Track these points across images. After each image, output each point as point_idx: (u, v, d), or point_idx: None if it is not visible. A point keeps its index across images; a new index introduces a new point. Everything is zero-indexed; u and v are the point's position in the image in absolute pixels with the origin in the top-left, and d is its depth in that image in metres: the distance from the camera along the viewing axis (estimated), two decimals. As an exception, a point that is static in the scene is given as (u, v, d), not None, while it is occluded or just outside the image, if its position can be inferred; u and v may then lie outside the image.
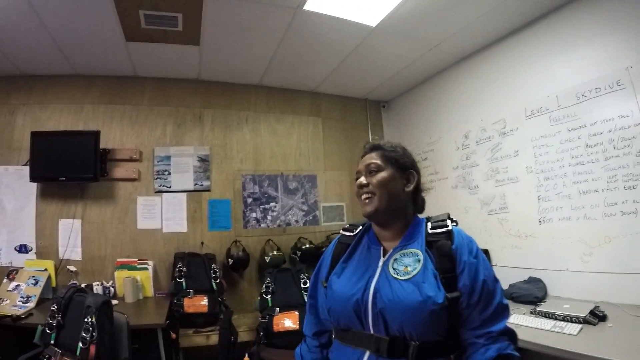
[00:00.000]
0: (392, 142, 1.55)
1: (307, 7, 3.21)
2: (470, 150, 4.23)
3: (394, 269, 1.33)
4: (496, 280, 1.32)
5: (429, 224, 1.42)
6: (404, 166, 1.48)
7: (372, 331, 1.29)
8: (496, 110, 3.91)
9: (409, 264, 1.33)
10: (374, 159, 1.47)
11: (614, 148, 2.87)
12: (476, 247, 1.35)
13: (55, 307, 2.52)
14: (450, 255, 1.30)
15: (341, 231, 1.61)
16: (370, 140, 5.09)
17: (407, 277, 1.29)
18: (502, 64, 3.87)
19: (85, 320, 2.33)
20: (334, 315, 1.42)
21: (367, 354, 1.28)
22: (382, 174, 1.43)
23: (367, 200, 1.43)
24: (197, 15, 3.27)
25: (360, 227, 1.57)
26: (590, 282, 2.99)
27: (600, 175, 2.97)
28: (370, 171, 1.45)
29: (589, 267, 3.03)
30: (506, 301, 1.31)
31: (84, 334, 2.29)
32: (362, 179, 1.45)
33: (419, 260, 1.32)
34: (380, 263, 1.38)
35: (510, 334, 1.28)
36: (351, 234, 1.56)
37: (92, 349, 2.27)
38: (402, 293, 1.25)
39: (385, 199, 1.41)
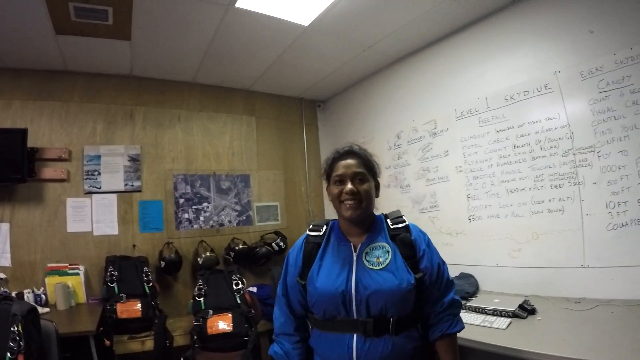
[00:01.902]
0: (362, 148, 1.75)
1: (238, 4, 3.16)
2: (402, 150, 4.32)
3: (367, 260, 1.58)
4: (444, 262, 1.69)
5: (389, 221, 1.69)
6: (375, 175, 1.72)
7: (355, 316, 1.52)
8: (427, 111, 4.01)
9: (379, 255, 1.59)
10: (358, 167, 1.65)
11: (541, 149, 3.02)
12: (427, 238, 1.70)
13: None
14: (411, 244, 1.61)
15: (307, 232, 1.76)
16: (308, 140, 5.16)
17: (381, 266, 1.56)
18: (435, 66, 3.96)
19: (12, 329, 2.20)
20: (319, 307, 1.59)
21: (355, 335, 1.51)
22: (368, 184, 1.65)
23: (353, 205, 1.60)
24: (127, 9, 3.13)
25: (325, 227, 1.74)
26: (519, 277, 3.12)
27: (527, 175, 3.11)
28: (357, 179, 1.63)
29: (518, 263, 3.17)
30: (452, 277, 1.72)
31: (12, 344, 2.17)
32: (351, 187, 1.61)
33: (388, 252, 1.59)
34: (355, 257, 1.60)
35: (456, 303, 1.66)
36: (318, 233, 1.73)
37: (20, 358, 2.15)
38: (381, 280, 1.52)
39: (368, 206, 1.64)
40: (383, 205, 4.33)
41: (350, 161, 1.66)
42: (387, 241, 1.63)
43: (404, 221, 1.68)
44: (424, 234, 1.71)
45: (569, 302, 2.67)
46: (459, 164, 3.67)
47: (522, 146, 3.15)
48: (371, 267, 1.56)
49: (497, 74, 3.37)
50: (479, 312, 2.72)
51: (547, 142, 2.99)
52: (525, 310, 2.56)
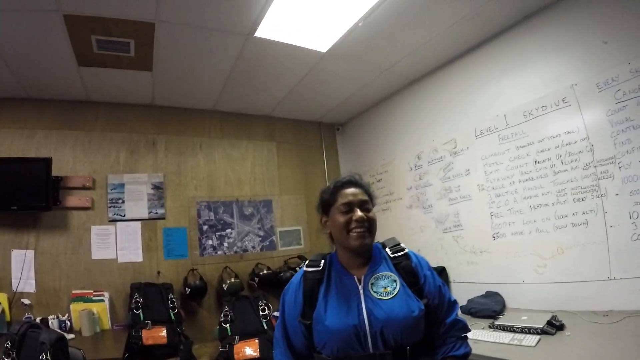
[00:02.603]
0: (361, 177, 1.74)
1: (258, 34, 3.24)
2: (423, 170, 4.33)
3: (375, 292, 1.52)
4: (444, 284, 1.65)
5: (388, 250, 1.66)
6: (374, 205, 1.68)
7: (372, 350, 1.45)
8: (447, 131, 4.03)
9: (386, 285, 1.54)
10: (364, 196, 1.63)
11: (562, 163, 3.01)
12: (427, 263, 1.68)
13: (9, 344, 2.38)
14: (413, 272, 1.58)
15: (305, 268, 1.67)
16: (328, 164, 5.20)
17: (391, 296, 1.50)
18: (452, 85, 4.00)
19: (40, 357, 2.22)
20: (330, 347, 1.49)
21: None
22: (374, 213, 1.64)
23: (363, 234, 1.56)
24: (149, 41, 3.25)
25: (323, 261, 1.67)
26: (546, 293, 3.08)
27: (549, 190, 3.09)
28: (365, 208, 1.60)
29: (544, 279, 3.13)
30: (453, 297, 1.66)
31: None
32: (361, 214, 1.57)
33: (394, 281, 1.55)
34: (361, 290, 1.54)
35: (459, 324, 1.61)
36: (317, 268, 1.64)
37: None
38: (393, 310, 1.46)
39: (374, 234, 1.61)
40: (406, 227, 4.45)
41: (354, 190, 1.63)
42: (391, 270, 1.59)
43: (403, 249, 1.65)
44: (422, 259, 1.68)
45: (596, 316, 2.63)
46: (480, 182, 3.66)
47: (543, 161, 3.14)
48: (380, 297, 1.51)
49: (514, 90, 3.39)
50: (507, 331, 2.68)
51: (567, 156, 2.98)
52: (554, 326, 2.52)
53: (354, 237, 1.55)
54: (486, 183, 3.61)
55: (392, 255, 1.63)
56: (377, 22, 3.21)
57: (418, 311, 1.47)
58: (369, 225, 1.57)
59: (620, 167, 2.66)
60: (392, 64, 4.00)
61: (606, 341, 2.21)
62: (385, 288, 1.53)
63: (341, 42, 3.46)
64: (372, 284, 1.55)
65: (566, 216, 2.99)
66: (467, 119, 3.80)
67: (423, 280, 1.58)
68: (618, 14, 2.71)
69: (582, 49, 2.92)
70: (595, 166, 2.81)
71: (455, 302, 1.65)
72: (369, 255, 1.63)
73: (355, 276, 1.58)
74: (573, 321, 2.61)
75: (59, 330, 3.35)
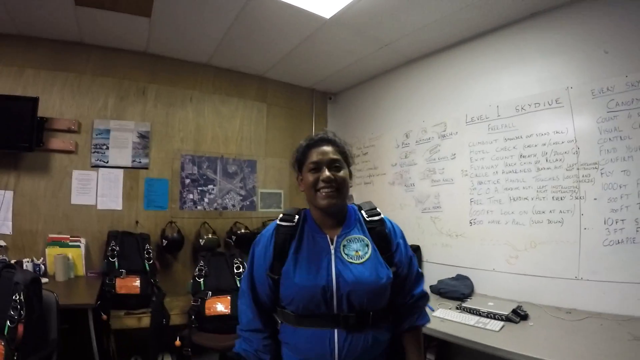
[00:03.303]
0: (337, 136, 1.66)
1: None
2: (410, 149, 4.37)
3: (346, 254, 1.52)
4: (414, 255, 1.66)
5: (364, 213, 1.63)
6: (349, 163, 1.64)
7: (336, 311, 1.46)
8: (438, 113, 4.07)
9: (358, 248, 1.53)
10: (334, 154, 1.57)
11: (547, 161, 3.10)
12: (400, 230, 1.67)
13: None
14: (386, 238, 1.58)
15: (278, 222, 1.63)
16: (316, 131, 5.20)
17: (361, 260, 1.50)
18: (449, 69, 4.01)
19: (14, 297, 2.19)
20: (296, 304, 1.49)
21: (337, 330, 1.45)
22: (345, 172, 1.58)
23: (330, 194, 1.52)
24: None
25: (297, 216, 1.63)
26: (514, 283, 3.22)
27: (531, 185, 3.19)
28: (334, 167, 1.55)
29: (514, 269, 3.26)
30: (420, 270, 1.69)
31: (12, 312, 2.15)
32: (328, 174, 1.53)
33: (367, 245, 1.54)
34: (332, 251, 1.52)
35: (426, 295, 1.67)
36: (290, 224, 1.61)
37: (20, 328, 2.14)
38: (363, 275, 1.47)
39: (345, 195, 1.57)
40: (387, 202, 4.52)
41: (325, 148, 1.58)
42: (365, 234, 1.57)
43: (379, 213, 1.63)
44: (397, 227, 1.67)
45: (560, 312, 2.77)
46: (465, 167, 3.73)
47: (529, 156, 3.22)
48: (351, 260, 1.50)
49: (510, 84, 3.43)
50: (473, 314, 2.80)
51: (553, 154, 3.06)
52: (519, 315, 2.65)
53: (321, 196, 1.53)
54: (470, 169, 3.68)
55: (367, 219, 1.61)
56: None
57: (386, 279, 1.49)
58: (338, 185, 1.53)
59: (602, 173, 2.76)
60: (392, 40, 3.96)
61: (567, 335, 2.35)
62: (357, 252, 1.52)
63: (346, 10, 3.38)
64: (344, 245, 1.54)
65: (543, 212, 3.10)
66: (460, 104, 3.83)
67: (395, 248, 1.58)
68: (622, 26, 2.75)
69: (583, 55, 2.96)
70: (578, 169, 2.90)
71: (422, 274, 1.69)
72: (343, 215, 1.62)
73: (328, 235, 1.57)
74: (537, 313, 2.75)
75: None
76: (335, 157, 1.57)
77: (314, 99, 5.68)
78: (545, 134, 3.13)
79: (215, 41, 4.16)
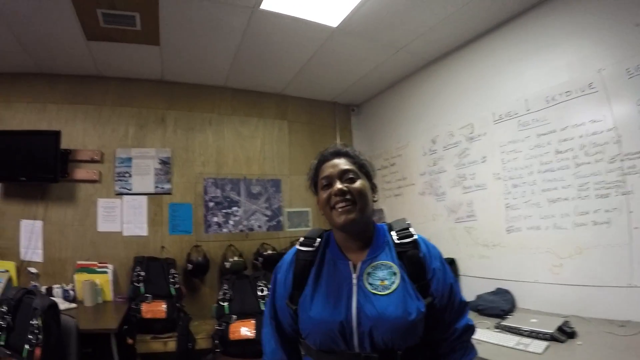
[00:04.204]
0: (353, 148, 1.50)
1: (263, 6, 3.14)
2: (438, 155, 4.13)
3: (370, 284, 1.32)
4: (456, 281, 1.41)
5: (394, 234, 1.41)
6: (370, 176, 1.47)
7: (357, 350, 1.27)
8: (464, 115, 3.82)
9: (384, 277, 1.32)
10: (347, 165, 1.41)
11: (585, 154, 2.76)
12: (439, 253, 1.42)
13: (5, 308, 2.51)
14: (420, 263, 1.33)
15: (297, 246, 1.48)
16: (337, 145, 5.05)
17: (387, 291, 1.29)
18: (470, 67, 3.78)
19: (32, 322, 2.34)
20: (313, 338, 1.33)
21: None
22: (361, 182, 1.39)
23: (346, 209, 1.34)
24: (154, 14, 3.20)
25: (319, 240, 1.47)
26: (560, 295, 2.88)
27: (570, 183, 2.86)
28: (347, 178, 1.39)
29: (558, 279, 2.92)
30: (464, 298, 1.43)
31: (30, 336, 2.30)
32: (340, 186, 1.36)
33: (394, 273, 1.32)
34: (354, 280, 1.34)
35: (471, 329, 1.41)
36: (310, 249, 1.45)
37: (38, 351, 2.27)
38: (387, 309, 1.26)
39: (364, 208, 1.37)
40: (418, 214, 4.28)
41: (336, 161, 1.42)
42: (393, 260, 1.36)
43: (412, 235, 1.39)
44: (434, 248, 1.42)
45: (612, 325, 2.42)
46: (497, 170, 3.45)
47: (565, 152, 2.90)
48: (375, 291, 1.29)
49: (536, 74, 3.13)
50: (514, 333, 2.50)
51: (592, 147, 2.73)
52: (565, 333, 2.33)
53: (336, 213, 1.35)
54: (503, 172, 3.39)
55: (397, 242, 1.39)
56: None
57: (416, 314, 1.25)
58: (353, 198, 1.34)
59: (649, 163, 2.41)
60: (406, 43, 3.80)
61: (620, 354, 2.03)
62: (382, 281, 1.31)
63: (352, 16, 3.30)
64: (368, 273, 1.34)
65: (587, 213, 2.75)
66: (486, 103, 3.57)
67: (431, 276, 1.34)
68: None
69: (612, 31, 2.65)
70: (621, 160, 2.56)
71: (466, 304, 1.43)
72: (369, 237, 1.42)
73: (351, 261, 1.38)
74: (586, 329, 2.41)
75: (60, 298, 3.57)
76: (347, 167, 1.40)
77: (336, 112, 5.55)
78: (581, 124, 2.80)
79: (227, 62, 4.20)
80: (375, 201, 1.45)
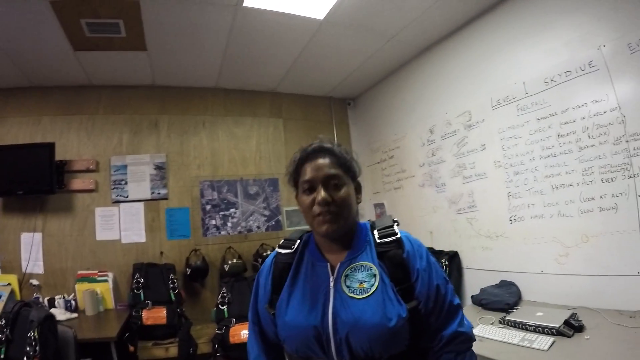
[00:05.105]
0: (337, 144, 1.40)
1: (246, 3, 3.09)
2: (436, 145, 4.01)
3: (347, 286, 1.23)
4: (447, 282, 1.30)
5: (376, 233, 1.31)
6: (355, 175, 1.37)
7: (335, 358, 1.19)
8: (460, 102, 3.69)
9: (363, 279, 1.23)
10: (332, 169, 1.29)
11: (589, 137, 2.61)
12: (425, 251, 1.31)
13: (3, 321, 2.52)
14: (403, 264, 1.24)
15: (277, 249, 1.41)
16: (339, 140, 4.96)
17: (365, 295, 1.20)
18: (464, 53, 3.64)
19: (29, 335, 2.37)
20: (290, 345, 1.27)
21: None
22: (346, 189, 1.29)
23: (328, 218, 1.24)
24: (137, 19, 3.18)
25: (298, 241, 1.39)
26: (567, 286, 2.74)
27: (574, 168, 2.71)
28: (331, 184, 1.28)
29: (565, 269, 2.78)
30: (457, 300, 1.30)
31: (28, 349, 2.34)
32: (325, 195, 1.24)
33: (374, 275, 1.23)
34: (332, 283, 1.26)
35: (461, 336, 1.26)
36: (289, 251, 1.38)
37: None
38: (364, 314, 1.17)
39: (349, 217, 1.29)
40: (418, 207, 4.15)
41: (320, 161, 1.30)
42: (373, 260, 1.26)
43: (395, 233, 1.29)
44: (420, 246, 1.31)
45: (622, 317, 2.28)
46: (497, 158, 3.31)
47: (567, 135, 2.75)
48: (352, 295, 1.21)
49: (534, 55, 2.98)
50: (518, 328, 2.38)
51: (595, 128, 2.58)
52: (572, 327, 2.20)
53: (318, 222, 1.25)
54: (503, 159, 3.26)
55: (378, 242, 1.29)
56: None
57: (396, 319, 1.15)
58: (337, 209, 1.24)
59: (657, 142, 2.26)
60: (397, 31, 3.69)
61: (632, 349, 1.89)
62: (361, 283, 1.22)
63: (338, 6, 3.21)
64: (346, 275, 1.25)
65: (593, 199, 2.61)
66: (483, 88, 3.43)
67: (415, 277, 1.23)
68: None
69: (610, 5, 2.49)
70: (627, 141, 2.41)
71: (458, 307, 1.30)
72: (350, 237, 1.32)
73: (329, 263, 1.30)
74: (595, 321, 2.28)
75: (62, 309, 3.65)
76: (332, 171, 1.28)
77: (333, 107, 5.47)
78: (582, 105, 2.64)
79: (217, 62, 4.17)
80: (359, 202, 1.37)
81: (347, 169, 1.33)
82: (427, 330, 1.24)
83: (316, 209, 1.24)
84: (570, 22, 2.74)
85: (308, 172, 1.29)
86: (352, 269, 1.26)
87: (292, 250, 1.37)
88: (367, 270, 1.24)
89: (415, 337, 1.21)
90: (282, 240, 1.42)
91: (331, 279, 1.26)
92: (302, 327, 1.21)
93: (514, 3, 3.16)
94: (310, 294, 1.26)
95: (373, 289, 1.20)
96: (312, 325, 1.20)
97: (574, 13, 2.72)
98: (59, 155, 3.98)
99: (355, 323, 1.16)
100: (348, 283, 1.23)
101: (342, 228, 1.27)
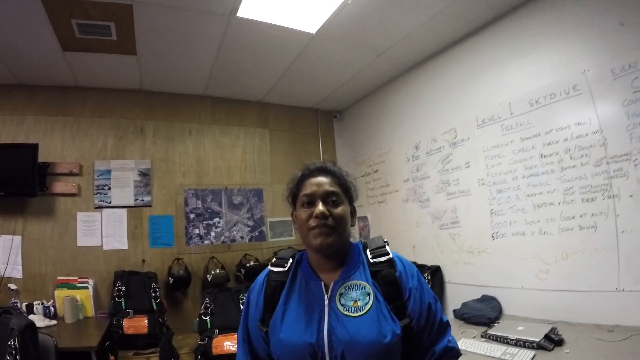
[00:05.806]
0: (339, 167, 1.46)
1: (240, 13, 3.09)
2: (421, 161, 4.08)
3: (342, 305, 1.27)
4: (436, 300, 1.36)
5: (369, 253, 1.37)
6: (352, 198, 1.43)
7: None
8: (447, 120, 3.77)
9: (357, 297, 1.27)
10: (332, 187, 1.35)
11: (571, 158, 2.71)
12: (416, 271, 1.37)
13: None
14: (395, 283, 1.30)
15: (270, 267, 1.43)
16: (324, 152, 4.97)
17: (360, 313, 1.24)
18: (452, 71, 3.73)
19: (9, 343, 2.24)
20: None
21: None
22: (343, 208, 1.34)
23: (324, 232, 1.28)
24: (129, 23, 3.16)
25: (291, 260, 1.42)
26: (547, 301, 2.82)
27: (556, 187, 2.81)
28: (330, 201, 1.33)
29: (545, 285, 2.86)
30: (446, 318, 1.37)
31: (8, 358, 2.22)
32: (323, 209, 1.29)
33: (368, 294, 1.28)
34: (326, 301, 1.28)
35: (452, 352, 1.34)
36: (282, 269, 1.40)
37: None
38: (359, 332, 1.21)
39: (343, 234, 1.33)
40: (402, 221, 4.21)
41: (322, 179, 1.36)
42: (367, 279, 1.31)
43: (387, 253, 1.35)
44: (411, 266, 1.38)
45: (601, 331, 2.36)
46: (481, 176, 3.40)
47: (550, 155, 2.85)
48: (347, 313, 1.25)
49: (520, 77, 3.09)
50: (500, 342, 2.45)
51: (577, 150, 2.68)
52: (552, 341, 2.27)
53: (313, 235, 1.29)
54: (487, 177, 3.34)
55: (371, 261, 1.34)
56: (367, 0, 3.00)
57: (391, 336, 1.20)
58: (334, 224, 1.28)
59: (636, 165, 2.36)
60: (387, 47, 3.76)
61: (611, 361, 1.95)
62: (355, 302, 1.26)
63: (330, 22, 3.25)
64: (341, 294, 1.28)
65: (573, 218, 2.70)
66: (469, 107, 3.53)
67: (407, 296, 1.29)
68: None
69: (596, 31, 2.60)
70: (607, 163, 2.51)
71: (447, 325, 1.37)
72: (344, 256, 1.36)
73: (323, 282, 1.33)
74: (574, 335, 2.35)
75: (40, 315, 3.54)
76: (332, 189, 1.34)
77: (319, 119, 5.51)
78: (565, 127, 2.75)
79: (206, 70, 4.16)
80: (353, 225, 1.42)
81: (346, 190, 1.39)
82: (419, 347, 1.29)
83: (312, 222, 1.29)
84: (556, 47, 2.85)
85: (308, 187, 1.35)
86: (346, 288, 1.30)
87: (285, 268, 1.39)
88: (361, 289, 1.29)
89: (407, 353, 1.27)
90: (274, 259, 1.45)
91: (326, 297, 1.29)
92: (297, 344, 1.24)
93: (502, 25, 3.26)
94: (305, 312, 1.28)
95: (368, 307, 1.24)
96: (308, 342, 1.22)
97: (560, 38, 2.83)
98: (41, 157, 3.87)
99: (351, 340, 1.19)
100: (343, 301, 1.27)
101: (336, 243, 1.30)
